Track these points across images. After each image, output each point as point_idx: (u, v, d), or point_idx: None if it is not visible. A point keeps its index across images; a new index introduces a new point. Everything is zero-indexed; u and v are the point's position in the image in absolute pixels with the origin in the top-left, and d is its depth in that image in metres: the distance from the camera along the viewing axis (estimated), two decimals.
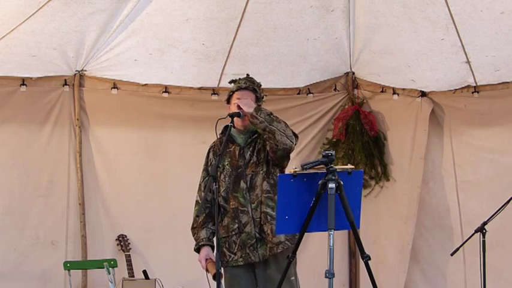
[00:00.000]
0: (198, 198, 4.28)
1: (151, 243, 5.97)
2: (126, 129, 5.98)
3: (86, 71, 5.80)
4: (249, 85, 4.24)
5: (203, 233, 4.21)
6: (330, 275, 3.43)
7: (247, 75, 4.34)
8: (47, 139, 5.75)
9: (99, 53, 5.56)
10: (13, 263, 5.59)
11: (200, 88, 6.09)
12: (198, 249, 4.22)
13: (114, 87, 5.89)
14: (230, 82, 4.35)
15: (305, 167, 3.58)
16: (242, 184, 4.17)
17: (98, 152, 5.92)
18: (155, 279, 5.54)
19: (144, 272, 5.59)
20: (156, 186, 6.01)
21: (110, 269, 5.28)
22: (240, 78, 4.31)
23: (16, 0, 4.60)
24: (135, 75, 5.88)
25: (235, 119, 4.10)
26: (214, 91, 6.10)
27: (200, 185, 4.32)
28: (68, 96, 5.81)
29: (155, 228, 5.98)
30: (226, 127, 4.14)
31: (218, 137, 4.29)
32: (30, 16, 4.78)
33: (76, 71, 5.77)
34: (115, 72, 5.81)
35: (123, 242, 5.79)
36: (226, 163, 4.22)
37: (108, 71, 5.78)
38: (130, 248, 5.77)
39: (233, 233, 4.17)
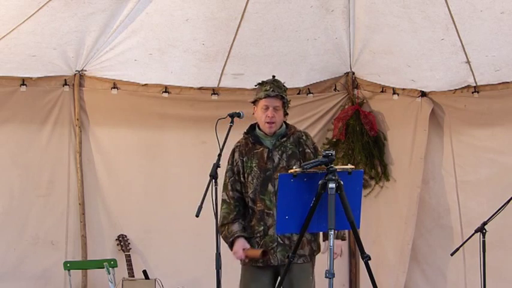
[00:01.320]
0: (226, 197, 4.29)
1: (151, 243, 5.96)
2: (126, 129, 5.98)
3: (86, 71, 5.79)
4: (277, 93, 4.25)
5: (236, 226, 4.22)
6: (330, 275, 3.43)
7: (273, 76, 4.37)
8: (47, 139, 5.75)
9: (99, 53, 5.55)
10: (13, 263, 5.59)
11: (200, 88, 6.09)
12: (232, 242, 4.20)
13: (114, 87, 5.89)
14: (257, 85, 4.36)
15: (305, 167, 3.58)
16: (270, 187, 4.21)
17: (98, 152, 5.92)
18: (155, 279, 5.54)
19: (144, 272, 5.59)
20: (156, 186, 6.01)
21: (110, 269, 5.28)
22: (266, 82, 4.31)
23: (16, 0, 4.59)
24: (135, 75, 5.88)
25: (263, 124, 4.22)
26: (214, 91, 6.10)
27: (227, 184, 4.32)
28: (68, 96, 5.80)
29: (155, 228, 5.97)
30: (251, 126, 4.30)
31: (243, 136, 4.35)
32: (30, 16, 4.78)
33: (76, 71, 5.77)
34: (115, 72, 5.81)
35: (123, 242, 5.78)
36: (253, 165, 4.26)
37: (108, 71, 5.78)
38: (130, 248, 5.77)
39: (258, 234, 4.21)
